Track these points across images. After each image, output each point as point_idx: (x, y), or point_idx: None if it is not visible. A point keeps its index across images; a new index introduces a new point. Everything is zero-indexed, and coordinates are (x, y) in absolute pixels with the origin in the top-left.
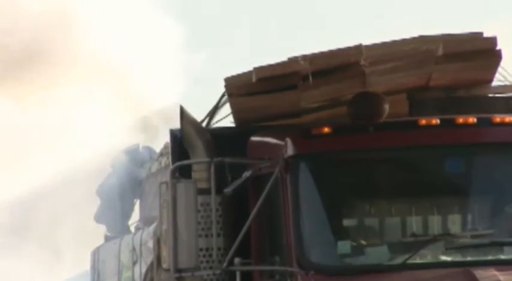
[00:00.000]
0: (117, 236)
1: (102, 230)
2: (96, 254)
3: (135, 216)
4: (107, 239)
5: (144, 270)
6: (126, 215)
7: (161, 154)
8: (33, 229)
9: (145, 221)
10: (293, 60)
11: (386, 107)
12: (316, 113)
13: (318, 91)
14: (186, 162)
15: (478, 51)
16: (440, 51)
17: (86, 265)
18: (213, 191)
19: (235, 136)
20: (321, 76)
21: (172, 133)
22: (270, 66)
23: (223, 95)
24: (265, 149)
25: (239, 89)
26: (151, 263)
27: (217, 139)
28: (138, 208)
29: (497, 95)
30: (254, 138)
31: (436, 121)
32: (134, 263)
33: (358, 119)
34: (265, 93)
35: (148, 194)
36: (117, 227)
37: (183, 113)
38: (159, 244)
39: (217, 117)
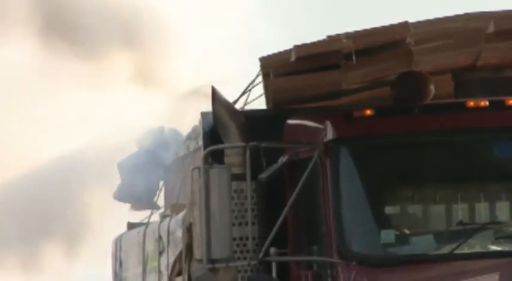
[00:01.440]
0: (141, 224)
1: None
2: (118, 242)
3: (160, 201)
4: (130, 226)
5: (171, 260)
6: (153, 192)
7: (189, 138)
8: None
9: (172, 208)
10: (335, 38)
11: (432, 88)
12: (356, 94)
13: (361, 71)
14: (219, 146)
15: None
16: (491, 29)
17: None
18: (248, 177)
19: (271, 119)
20: (365, 55)
21: (204, 116)
22: (311, 44)
23: (257, 76)
24: (303, 132)
25: (277, 68)
26: (180, 253)
27: (251, 122)
28: (163, 194)
29: None
30: (291, 122)
31: (484, 103)
32: (160, 253)
33: (402, 100)
34: (304, 73)
35: (176, 180)
36: (143, 204)
37: (214, 94)
38: (189, 232)
39: (249, 99)
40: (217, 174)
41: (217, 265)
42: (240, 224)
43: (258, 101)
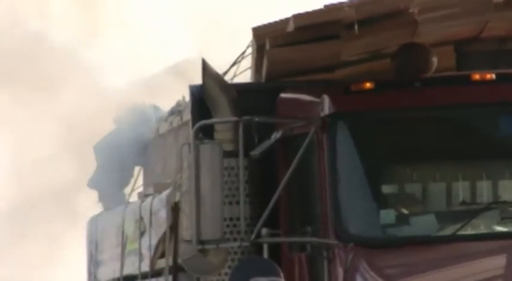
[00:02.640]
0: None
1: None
2: (93, 223)
3: (135, 183)
4: (107, 207)
5: (154, 242)
6: (124, 181)
7: (172, 113)
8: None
9: (155, 187)
10: (336, 7)
11: (435, 60)
12: (354, 67)
13: (362, 41)
14: (210, 121)
15: None
16: None
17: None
18: (241, 153)
19: (264, 93)
20: (366, 25)
21: (193, 89)
22: (311, 13)
23: (248, 47)
24: (298, 107)
25: (275, 39)
26: (164, 234)
27: (244, 96)
28: (141, 173)
29: None
30: (284, 95)
31: (491, 76)
32: (142, 234)
33: (404, 73)
34: (303, 44)
35: (157, 158)
36: (111, 195)
37: (205, 67)
38: (174, 212)
39: (239, 72)
40: (209, 150)
41: (207, 247)
42: (230, 203)
43: (244, 74)
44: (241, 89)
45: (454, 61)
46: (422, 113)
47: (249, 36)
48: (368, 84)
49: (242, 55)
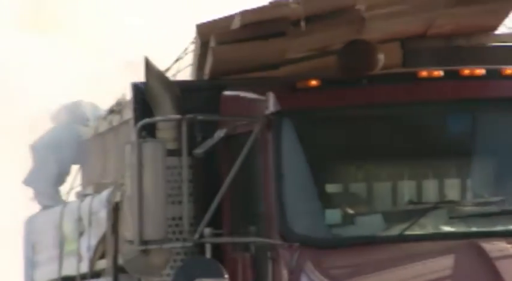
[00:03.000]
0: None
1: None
2: (30, 224)
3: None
4: (45, 207)
5: (93, 242)
6: (61, 180)
7: (111, 112)
8: None
9: (95, 187)
10: (283, 4)
11: (381, 57)
12: (299, 64)
13: (309, 39)
14: (154, 119)
15: None
16: None
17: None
18: (184, 152)
19: (207, 91)
20: (313, 22)
21: (135, 87)
22: (257, 10)
23: (191, 44)
24: (242, 105)
25: (221, 36)
26: (104, 235)
27: (186, 94)
28: (79, 172)
29: (501, 45)
30: (228, 93)
31: (438, 73)
32: (80, 234)
33: (349, 70)
34: (249, 41)
35: (97, 157)
36: (47, 194)
37: (148, 64)
38: (114, 212)
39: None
40: (152, 149)
41: (149, 247)
42: (173, 203)
43: (187, 71)
44: (184, 87)
45: (401, 58)
46: (368, 111)
47: (192, 33)
48: (314, 82)
49: (185, 52)
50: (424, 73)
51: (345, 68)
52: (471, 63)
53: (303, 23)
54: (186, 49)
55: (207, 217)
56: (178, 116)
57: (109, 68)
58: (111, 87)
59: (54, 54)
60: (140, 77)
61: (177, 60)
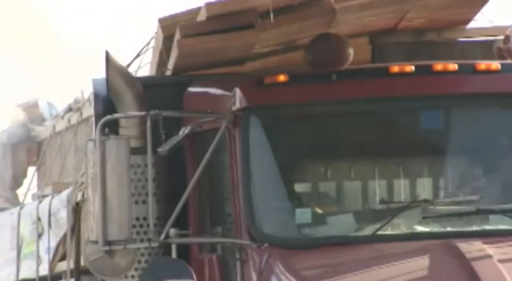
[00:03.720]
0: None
1: None
2: None
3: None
4: (1, 209)
5: (53, 244)
6: (16, 182)
7: (70, 110)
8: None
9: (54, 187)
10: None
11: (351, 51)
12: (265, 59)
13: (278, 31)
14: (117, 116)
15: None
16: None
17: None
18: (149, 150)
19: (171, 87)
20: (283, 14)
21: (96, 83)
22: (224, 1)
23: (152, 39)
24: (207, 101)
25: (185, 29)
26: (65, 236)
27: (150, 90)
28: (35, 174)
29: (473, 40)
30: (193, 89)
31: (410, 68)
32: (39, 236)
33: (318, 65)
34: (216, 34)
35: (55, 157)
36: (3, 197)
37: (109, 59)
38: (75, 213)
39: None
40: (115, 146)
41: (114, 248)
42: (136, 202)
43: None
44: (146, 82)
45: (369, 53)
46: (338, 107)
47: (153, 28)
48: (282, 77)
49: (146, 46)
50: (395, 68)
51: (314, 63)
52: (441, 58)
53: (271, 15)
54: (148, 44)
55: (173, 217)
56: (142, 113)
57: (65, 66)
58: (68, 85)
59: (9, 53)
60: (98, 73)
61: (137, 55)
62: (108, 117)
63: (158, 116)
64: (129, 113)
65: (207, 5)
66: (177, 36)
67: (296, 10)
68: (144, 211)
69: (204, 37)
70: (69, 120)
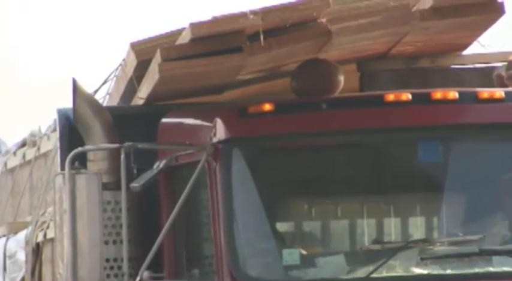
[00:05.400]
0: None
1: None
2: None
3: None
4: None
5: None
6: None
7: (24, 144)
8: None
9: (9, 228)
10: (240, 15)
11: (342, 78)
12: (243, 88)
13: (267, 55)
14: (88, 148)
15: (475, 3)
16: (428, 3)
17: None
18: (123, 185)
19: (143, 118)
20: (273, 36)
21: (61, 113)
22: (211, 22)
23: (120, 65)
24: (185, 132)
25: (167, 51)
26: (23, 279)
27: (120, 121)
28: None
29: (469, 67)
30: (167, 120)
31: (407, 96)
32: None
33: (306, 93)
34: (201, 57)
35: (7, 196)
36: None
37: (76, 87)
38: (34, 254)
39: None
40: (86, 181)
41: None
42: (106, 242)
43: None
44: (116, 112)
45: (357, 81)
46: (329, 139)
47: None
48: (267, 106)
49: (115, 72)
50: (391, 96)
51: (301, 91)
52: (435, 86)
53: (262, 37)
54: (116, 69)
55: (149, 258)
56: (116, 145)
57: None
58: (16, 118)
59: None
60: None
61: (105, 82)
62: (79, 149)
63: (133, 148)
64: (100, 146)
65: (192, 25)
66: (158, 60)
67: (288, 32)
68: (115, 252)
69: (189, 61)
70: (23, 155)
